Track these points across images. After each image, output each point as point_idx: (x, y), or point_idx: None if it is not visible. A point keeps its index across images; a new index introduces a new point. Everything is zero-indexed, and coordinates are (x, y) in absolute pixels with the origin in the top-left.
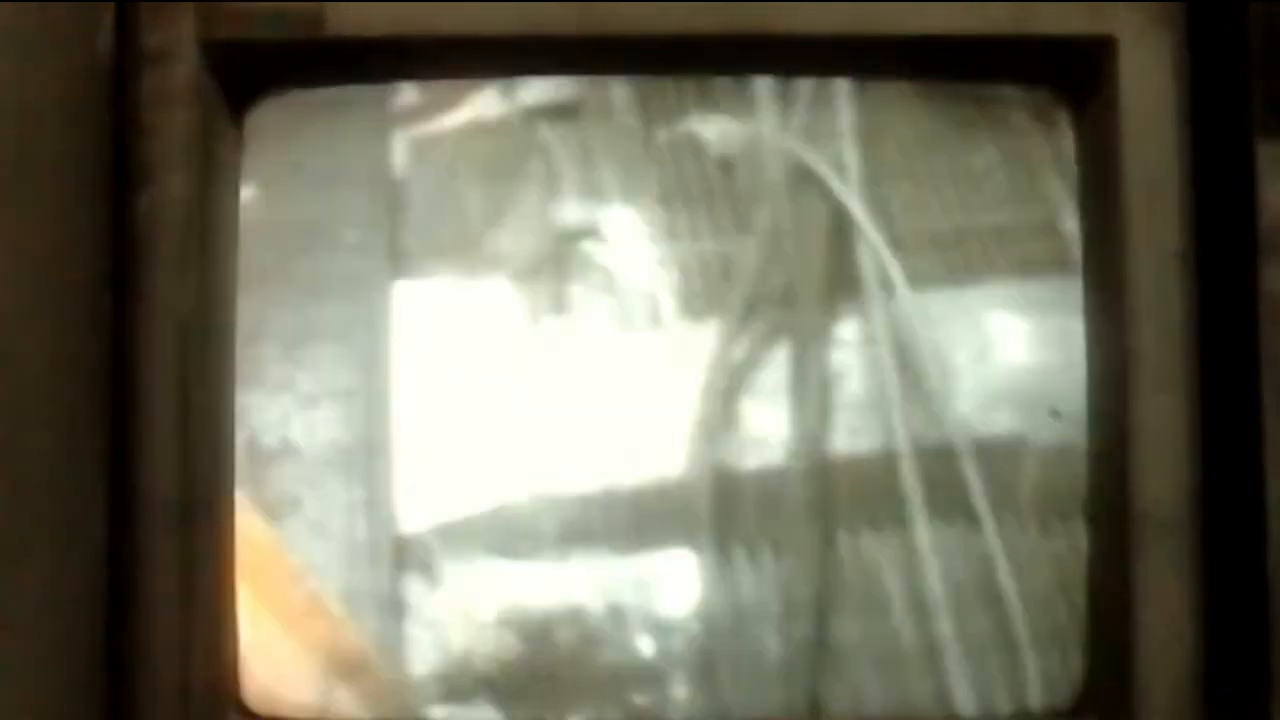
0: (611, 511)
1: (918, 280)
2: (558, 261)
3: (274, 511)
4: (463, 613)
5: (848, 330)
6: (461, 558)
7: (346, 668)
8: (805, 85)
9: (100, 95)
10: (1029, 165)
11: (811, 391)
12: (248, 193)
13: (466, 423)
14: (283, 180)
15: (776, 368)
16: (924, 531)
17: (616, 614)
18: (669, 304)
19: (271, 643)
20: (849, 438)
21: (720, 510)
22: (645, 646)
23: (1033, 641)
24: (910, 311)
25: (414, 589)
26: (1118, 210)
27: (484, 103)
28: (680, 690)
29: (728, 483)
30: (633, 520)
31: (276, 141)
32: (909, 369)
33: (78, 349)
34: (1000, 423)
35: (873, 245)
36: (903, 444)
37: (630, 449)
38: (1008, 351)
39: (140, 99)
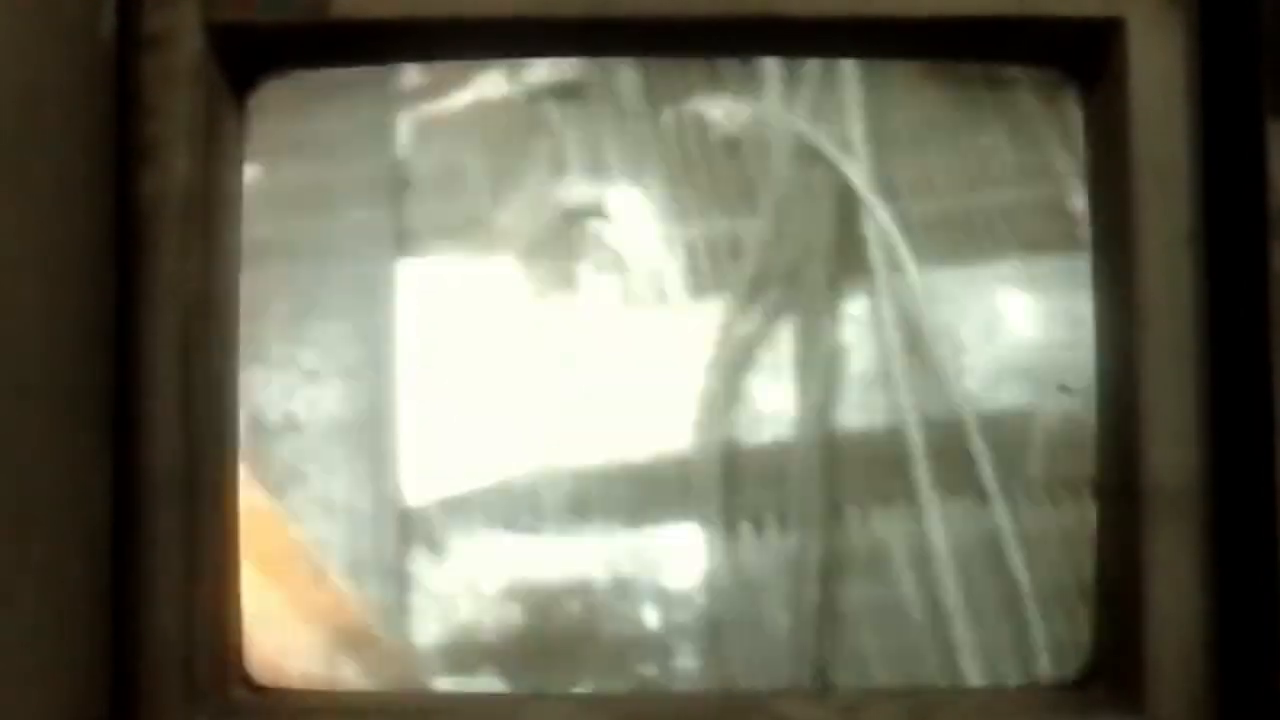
0: (618, 485)
1: (925, 258)
2: (564, 240)
3: (278, 486)
4: (468, 585)
5: (855, 307)
6: (466, 531)
7: (351, 640)
8: (812, 65)
9: (104, 76)
10: (1037, 144)
11: (818, 368)
12: (251, 172)
13: (471, 398)
14: (287, 160)
15: (783, 344)
16: (932, 506)
17: (622, 587)
18: (675, 282)
19: (276, 616)
20: (856, 413)
21: (727, 485)
22: (651, 619)
23: (1041, 614)
24: (917, 289)
25: (419, 562)
26: (1127, 190)
27: (489, 82)
28: (686, 662)
29: (735, 458)
30: (640, 494)
31: (280, 121)
32: (916, 345)
33: (82, 327)
34: (1008, 397)
35: (880, 224)
36: (910, 419)
37: (637, 424)
38: (1015, 327)
39: (143, 80)
